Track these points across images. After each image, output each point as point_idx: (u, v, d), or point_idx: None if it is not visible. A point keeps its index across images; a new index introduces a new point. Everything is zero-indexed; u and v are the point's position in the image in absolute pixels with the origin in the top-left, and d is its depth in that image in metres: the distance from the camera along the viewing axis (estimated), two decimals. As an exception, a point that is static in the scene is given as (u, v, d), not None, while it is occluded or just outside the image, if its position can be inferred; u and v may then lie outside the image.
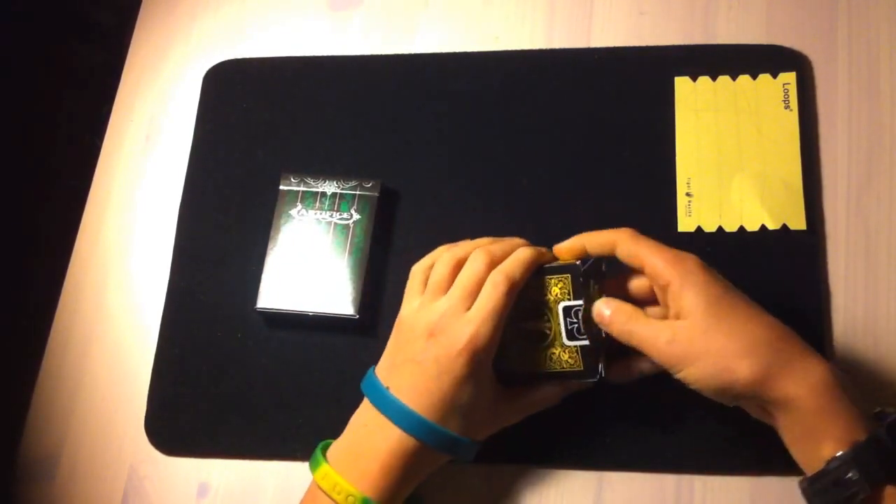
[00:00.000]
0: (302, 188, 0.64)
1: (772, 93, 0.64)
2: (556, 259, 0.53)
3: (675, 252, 0.49)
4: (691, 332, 0.46)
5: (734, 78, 0.64)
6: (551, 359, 0.52)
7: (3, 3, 0.83)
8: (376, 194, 0.63)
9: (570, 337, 0.50)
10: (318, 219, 0.63)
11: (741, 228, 0.60)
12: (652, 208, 0.62)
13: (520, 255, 0.51)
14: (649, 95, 0.65)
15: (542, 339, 0.52)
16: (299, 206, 0.63)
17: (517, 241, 0.54)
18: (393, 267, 0.63)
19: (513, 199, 0.64)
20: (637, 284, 0.52)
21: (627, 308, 0.49)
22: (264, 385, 0.62)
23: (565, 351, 0.51)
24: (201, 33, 0.75)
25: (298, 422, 0.60)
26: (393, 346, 0.53)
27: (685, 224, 0.61)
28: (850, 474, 0.43)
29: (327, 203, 0.63)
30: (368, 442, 0.50)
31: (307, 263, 0.62)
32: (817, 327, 0.58)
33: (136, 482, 0.61)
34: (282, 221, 0.63)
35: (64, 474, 0.62)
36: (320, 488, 0.50)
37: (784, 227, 0.60)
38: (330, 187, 0.64)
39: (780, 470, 0.55)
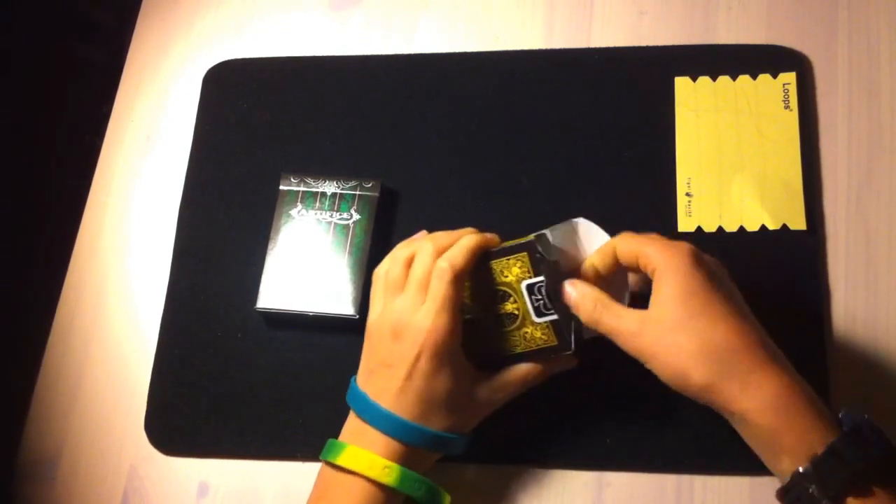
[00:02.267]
0: (302, 188, 0.64)
1: (772, 93, 0.64)
2: (502, 242, 0.53)
3: (668, 240, 0.49)
4: (658, 326, 0.45)
5: (734, 78, 0.64)
6: (525, 338, 0.52)
7: (3, 2, 0.83)
8: (376, 194, 0.63)
9: (539, 314, 0.51)
10: (318, 219, 0.63)
11: (741, 228, 0.60)
12: (652, 208, 0.62)
13: (462, 242, 0.51)
14: (649, 95, 0.65)
15: (513, 321, 0.52)
16: (299, 206, 0.63)
17: (466, 230, 0.54)
18: (393, 267, 0.63)
19: (513, 199, 0.64)
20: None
21: (593, 293, 0.48)
22: (264, 385, 0.62)
23: (536, 328, 0.51)
24: (201, 33, 0.75)
25: (298, 422, 0.60)
26: (366, 352, 0.53)
27: (685, 224, 0.61)
28: (811, 489, 0.42)
29: (327, 203, 0.63)
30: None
31: (307, 263, 0.62)
32: (817, 327, 0.58)
33: (136, 482, 0.61)
34: (282, 221, 0.63)
35: (64, 474, 0.62)
36: (348, 471, 0.50)
37: (784, 227, 0.60)
38: (330, 187, 0.64)
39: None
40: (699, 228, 0.61)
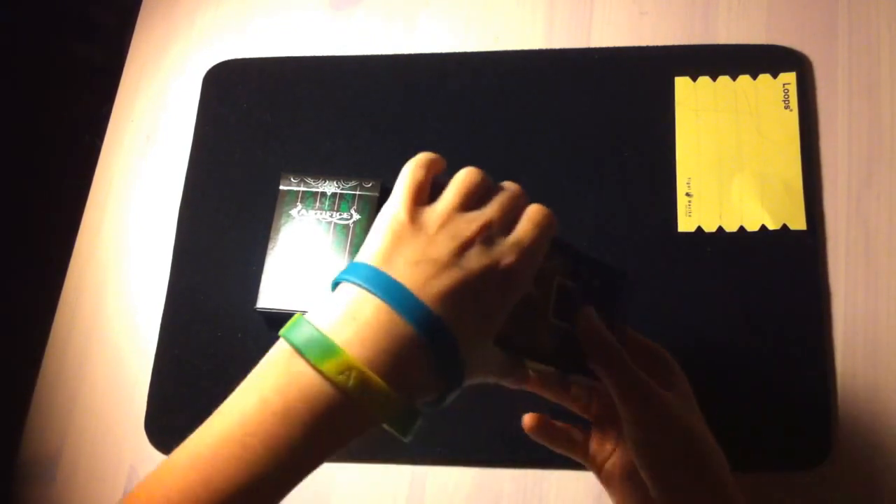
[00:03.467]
0: (302, 188, 0.64)
1: (772, 93, 0.64)
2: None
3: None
4: (670, 405, 0.44)
5: (734, 78, 0.64)
6: (533, 328, 0.47)
7: (3, 2, 0.83)
8: (376, 194, 0.63)
9: (555, 314, 0.47)
10: (318, 219, 0.63)
11: (741, 228, 0.60)
12: (652, 208, 0.62)
13: (545, 209, 0.44)
14: (649, 95, 0.65)
15: (530, 307, 0.46)
16: (299, 206, 0.63)
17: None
18: (393, 267, 0.63)
19: (513, 199, 0.64)
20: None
21: (615, 343, 0.45)
22: (264, 385, 0.61)
23: (548, 328, 0.47)
24: (201, 33, 0.75)
25: (298, 422, 0.60)
26: (396, 241, 0.40)
27: (685, 224, 0.61)
28: None
29: (327, 203, 0.63)
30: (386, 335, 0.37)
31: (307, 263, 0.62)
32: (817, 327, 0.58)
33: (136, 482, 0.61)
34: (282, 221, 0.63)
35: (64, 474, 0.62)
36: (324, 376, 0.37)
37: (784, 227, 0.60)
38: (330, 187, 0.64)
39: (779, 469, 0.55)
40: (699, 228, 0.61)
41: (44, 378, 0.65)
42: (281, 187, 0.64)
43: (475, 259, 0.39)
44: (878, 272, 0.59)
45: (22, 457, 0.63)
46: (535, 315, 0.47)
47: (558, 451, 0.51)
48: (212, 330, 0.63)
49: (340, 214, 0.63)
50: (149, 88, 0.73)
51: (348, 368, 0.36)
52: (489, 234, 0.40)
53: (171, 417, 0.62)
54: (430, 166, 0.44)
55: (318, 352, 0.37)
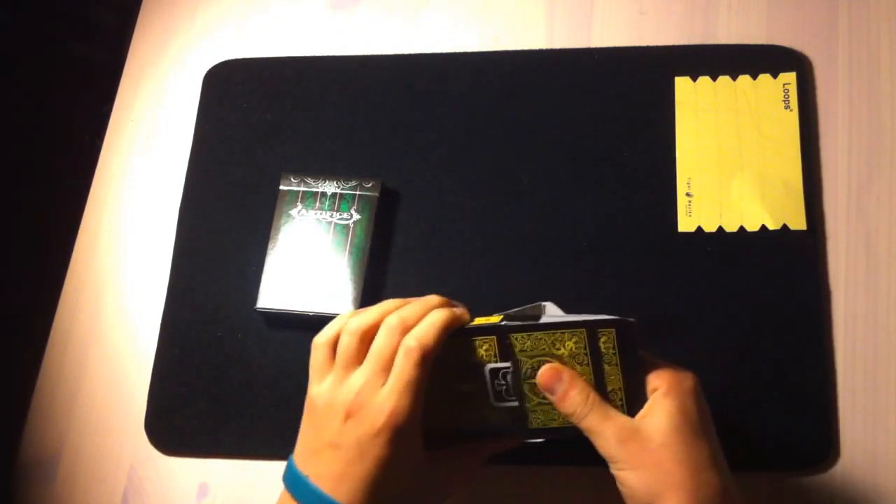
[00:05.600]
0: (302, 188, 0.64)
1: (772, 93, 0.64)
2: (472, 319, 0.49)
3: (676, 366, 0.47)
4: (648, 441, 0.44)
5: (734, 78, 0.64)
6: (480, 418, 0.49)
7: (3, 2, 0.83)
8: (376, 194, 0.63)
9: (498, 398, 0.48)
10: (318, 219, 0.63)
11: (741, 228, 0.60)
12: (652, 208, 0.62)
13: (433, 318, 0.46)
14: (649, 95, 0.65)
15: (471, 400, 0.48)
16: (299, 206, 0.63)
17: (431, 300, 0.49)
18: (393, 267, 0.63)
19: (513, 199, 0.64)
20: None
21: (586, 386, 0.46)
22: (264, 385, 0.62)
23: (494, 412, 0.48)
24: (201, 33, 0.75)
25: (298, 422, 0.60)
26: (308, 429, 0.48)
27: (685, 224, 0.61)
28: None
29: (327, 203, 0.63)
30: None
31: (307, 263, 0.62)
32: (817, 327, 0.58)
33: (136, 482, 0.61)
34: (282, 221, 0.63)
35: (64, 475, 0.62)
36: None
37: (784, 227, 0.60)
38: (330, 187, 0.64)
39: (779, 469, 0.55)
40: (699, 228, 0.61)
41: (44, 378, 0.65)
42: (281, 187, 0.64)
43: (352, 433, 0.45)
44: (878, 272, 0.59)
45: (22, 457, 0.63)
46: (477, 404, 0.48)
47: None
48: (212, 330, 0.63)
49: (340, 214, 0.63)
50: (149, 88, 0.73)
51: None
52: (362, 400, 0.45)
53: (171, 417, 0.62)
54: (330, 340, 0.49)
55: None
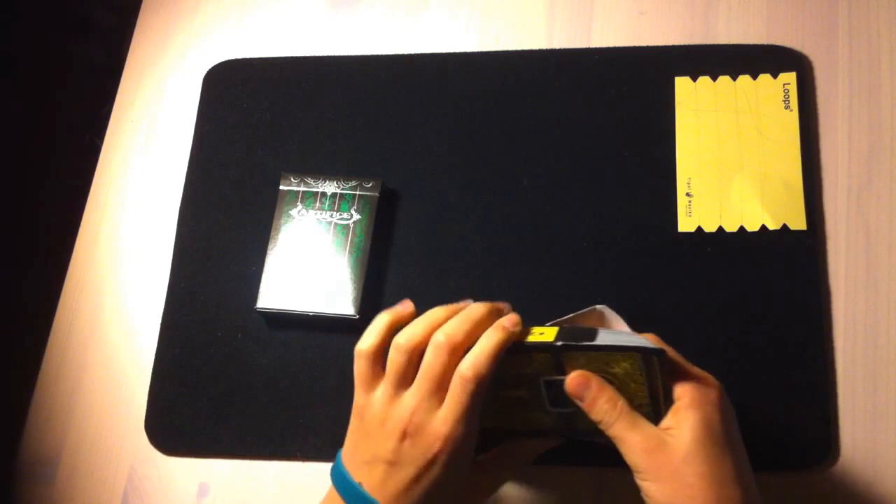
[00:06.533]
0: (302, 188, 0.64)
1: (772, 93, 0.64)
2: (526, 331, 0.49)
3: (703, 375, 0.47)
4: (674, 452, 0.44)
5: (734, 78, 0.64)
6: (535, 421, 0.50)
7: (3, 3, 0.83)
8: (376, 194, 0.63)
9: (553, 404, 0.49)
10: (318, 219, 0.63)
11: (741, 228, 0.60)
12: (652, 208, 0.62)
13: (487, 345, 0.46)
14: (649, 95, 0.65)
15: (525, 405, 0.50)
16: (299, 206, 0.63)
17: (477, 311, 0.48)
18: (393, 267, 0.63)
19: (513, 199, 0.64)
20: None
21: (613, 393, 0.46)
22: (264, 385, 0.62)
23: (548, 416, 0.49)
24: (201, 33, 0.75)
25: (298, 422, 0.60)
26: (359, 436, 0.49)
27: (685, 224, 0.61)
28: None
29: (327, 203, 0.63)
30: None
31: (307, 263, 0.62)
32: (817, 327, 0.58)
33: (136, 482, 0.61)
34: (282, 221, 0.63)
35: (64, 475, 0.62)
36: None
37: (784, 227, 0.60)
38: (330, 187, 0.64)
39: (779, 469, 0.55)
40: (699, 228, 0.61)
41: (44, 378, 0.65)
42: (281, 187, 0.64)
43: (409, 454, 0.46)
44: (878, 272, 0.59)
45: (22, 457, 0.63)
46: (531, 409, 0.49)
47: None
48: (212, 330, 0.63)
49: (340, 214, 0.63)
50: (149, 88, 0.73)
51: None
52: (419, 421, 0.46)
53: (171, 418, 0.62)
54: (373, 350, 0.49)
55: None
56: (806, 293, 0.59)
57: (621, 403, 0.46)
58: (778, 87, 0.64)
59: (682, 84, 0.65)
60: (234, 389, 0.62)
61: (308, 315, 0.61)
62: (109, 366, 0.65)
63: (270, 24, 0.74)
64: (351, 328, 0.61)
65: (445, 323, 0.48)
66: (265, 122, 0.69)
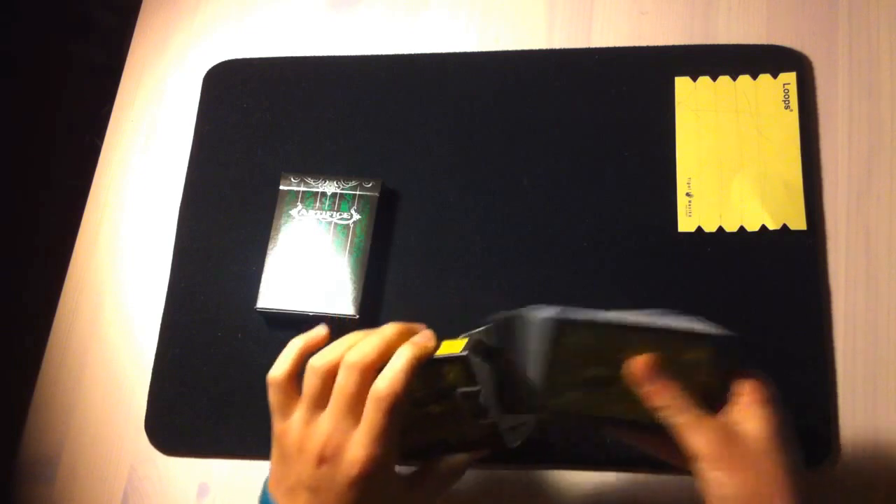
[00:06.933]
0: (302, 188, 0.64)
1: (772, 93, 0.64)
2: (437, 345, 0.48)
3: (758, 372, 0.47)
4: (747, 446, 0.44)
5: (734, 78, 0.64)
6: (461, 432, 0.49)
7: (3, 3, 0.84)
8: (376, 194, 0.63)
9: (475, 416, 0.47)
10: (318, 219, 0.63)
11: (741, 228, 0.60)
12: (652, 208, 0.62)
13: (399, 363, 0.46)
14: (649, 95, 0.65)
15: (447, 419, 0.48)
16: (299, 206, 0.63)
17: (388, 331, 0.47)
18: (393, 267, 0.63)
19: (513, 199, 0.64)
20: None
21: (677, 387, 0.46)
22: (264, 385, 0.61)
23: (472, 428, 0.48)
24: (201, 33, 0.75)
25: (298, 422, 0.60)
26: (281, 464, 0.48)
27: (685, 224, 0.61)
28: None
29: (327, 203, 0.63)
30: None
31: (307, 263, 0.62)
32: (817, 327, 0.58)
33: (136, 482, 0.61)
34: (282, 221, 0.63)
35: (64, 474, 0.62)
36: None
37: (784, 227, 0.60)
38: (330, 187, 0.64)
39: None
40: (699, 228, 0.61)
41: (44, 378, 0.65)
42: (281, 187, 0.64)
43: (328, 479, 0.45)
44: (878, 272, 0.59)
45: (22, 457, 0.63)
46: (454, 422, 0.48)
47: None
48: (212, 330, 0.63)
49: (340, 214, 0.63)
50: (149, 88, 0.73)
51: None
52: (336, 444, 0.45)
53: (171, 417, 0.62)
54: (285, 376, 0.49)
55: None
56: (806, 293, 0.59)
57: (688, 393, 0.45)
58: (778, 87, 0.64)
59: (682, 84, 0.65)
60: (234, 389, 0.62)
61: (308, 315, 0.61)
62: (109, 366, 0.65)
63: (270, 24, 0.74)
64: (351, 328, 0.61)
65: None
66: (265, 122, 0.69)
